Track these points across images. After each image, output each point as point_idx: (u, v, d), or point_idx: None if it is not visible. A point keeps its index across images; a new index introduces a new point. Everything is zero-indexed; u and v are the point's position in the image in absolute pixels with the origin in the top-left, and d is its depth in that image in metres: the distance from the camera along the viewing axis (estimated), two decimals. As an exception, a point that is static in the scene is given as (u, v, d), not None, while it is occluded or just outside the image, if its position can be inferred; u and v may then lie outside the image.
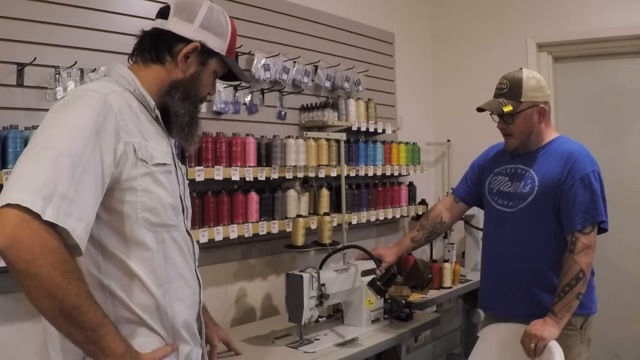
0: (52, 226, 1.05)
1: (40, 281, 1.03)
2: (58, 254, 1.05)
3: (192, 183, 2.32)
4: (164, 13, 1.41)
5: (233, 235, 2.47)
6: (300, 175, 2.77)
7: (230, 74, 1.53)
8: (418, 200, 3.72)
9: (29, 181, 1.05)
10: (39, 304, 1.06)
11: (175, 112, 1.40)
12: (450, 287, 3.20)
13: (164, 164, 1.33)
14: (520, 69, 2.25)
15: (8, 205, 1.03)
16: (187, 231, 1.43)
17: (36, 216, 1.03)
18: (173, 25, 1.39)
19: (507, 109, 2.13)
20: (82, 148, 1.13)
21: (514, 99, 2.15)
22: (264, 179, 2.60)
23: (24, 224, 1.02)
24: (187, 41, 1.39)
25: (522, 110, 2.16)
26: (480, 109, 2.25)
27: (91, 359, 1.15)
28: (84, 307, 1.08)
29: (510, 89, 2.16)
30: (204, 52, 1.42)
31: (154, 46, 1.39)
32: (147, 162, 1.27)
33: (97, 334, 1.11)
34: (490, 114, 2.25)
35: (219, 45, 1.44)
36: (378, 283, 2.29)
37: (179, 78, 1.40)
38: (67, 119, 1.17)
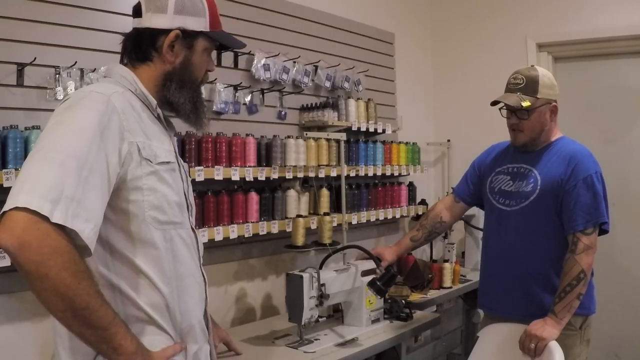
0: (60, 227, 1.05)
1: (50, 282, 1.03)
2: (67, 255, 1.05)
3: (192, 183, 2.30)
4: (137, 11, 1.40)
5: (233, 235, 2.47)
6: (300, 175, 2.77)
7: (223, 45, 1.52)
8: (418, 200, 3.72)
9: (36, 184, 1.06)
10: (49, 305, 1.06)
11: (176, 102, 1.41)
12: (450, 287, 3.20)
13: (168, 162, 1.34)
14: (532, 66, 2.25)
15: (16, 208, 1.03)
16: (192, 228, 1.44)
17: (44, 218, 1.04)
18: (148, 20, 1.38)
19: (526, 104, 2.14)
20: (88, 149, 1.13)
21: (531, 95, 2.15)
22: (264, 179, 2.60)
23: (32, 225, 1.03)
24: (167, 31, 1.38)
25: (538, 107, 2.16)
26: (495, 102, 2.22)
27: (103, 358, 1.16)
28: (94, 306, 1.09)
29: (527, 84, 2.16)
30: (187, 36, 1.40)
31: (138, 47, 1.40)
32: (151, 161, 1.28)
33: (109, 333, 1.11)
34: (500, 109, 2.24)
35: (199, 24, 1.41)
36: (378, 283, 2.28)
37: (170, 69, 1.40)
38: (72, 121, 1.17)
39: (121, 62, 1.43)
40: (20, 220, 1.02)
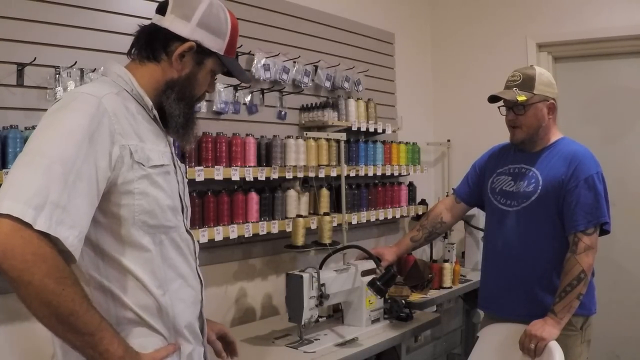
0: (44, 234, 1.04)
1: (34, 289, 1.03)
2: (51, 261, 1.04)
3: (192, 183, 2.32)
4: (162, 8, 1.38)
5: (233, 235, 2.47)
6: (300, 175, 2.77)
7: (230, 72, 1.50)
8: (418, 200, 3.72)
9: (21, 190, 1.05)
10: (35, 311, 1.05)
11: (171, 113, 1.38)
12: (450, 287, 3.20)
13: (162, 165, 1.32)
14: (532, 65, 2.26)
15: (0, 215, 1.02)
16: (187, 230, 1.42)
17: (28, 225, 1.02)
18: (169, 22, 1.36)
19: (521, 98, 2.15)
20: (75, 154, 1.11)
21: (528, 91, 2.16)
22: (264, 179, 2.60)
23: (15, 232, 1.02)
24: (183, 40, 1.35)
25: (535, 103, 2.17)
26: (493, 98, 2.23)
27: None
28: (79, 312, 1.07)
29: (524, 81, 2.18)
30: (200, 52, 1.38)
31: (150, 44, 1.37)
32: (143, 165, 1.26)
33: (95, 338, 1.10)
34: (499, 107, 2.25)
35: (216, 44, 1.40)
36: (378, 283, 2.28)
37: (175, 78, 1.37)
38: (60, 124, 1.15)
39: (129, 52, 1.40)
40: (2, 227, 1.01)
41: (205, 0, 1.39)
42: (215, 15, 1.40)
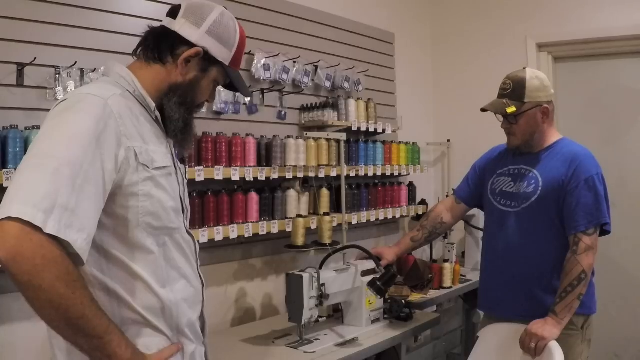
0: (54, 237, 1.04)
1: (44, 293, 1.02)
2: (61, 265, 1.04)
3: (192, 183, 2.32)
4: (174, 12, 1.39)
5: (233, 235, 2.47)
6: (300, 175, 2.77)
7: (232, 84, 1.51)
8: (418, 200, 3.72)
9: (29, 193, 1.04)
10: (44, 315, 1.05)
11: (171, 116, 1.38)
12: (450, 287, 3.20)
13: (165, 167, 1.32)
14: (524, 68, 2.25)
15: (9, 218, 1.02)
16: (187, 231, 1.43)
17: (37, 228, 1.02)
18: (179, 26, 1.37)
19: (511, 110, 2.14)
20: (83, 156, 1.11)
21: (518, 100, 2.16)
22: (264, 179, 2.60)
23: (25, 236, 1.01)
24: (191, 45, 1.36)
25: (526, 111, 2.17)
26: (483, 110, 2.25)
27: None
28: (89, 315, 1.08)
29: (514, 89, 2.17)
30: (206, 59, 1.39)
31: (157, 45, 1.37)
32: (148, 167, 1.26)
33: (103, 341, 1.11)
34: (495, 114, 2.25)
35: (223, 54, 1.41)
36: (378, 283, 2.28)
37: (178, 81, 1.38)
38: (67, 126, 1.15)
39: (134, 51, 1.40)
40: (12, 230, 1.01)
41: (217, 9, 1.41)
42: (225, 25, 1.41)
